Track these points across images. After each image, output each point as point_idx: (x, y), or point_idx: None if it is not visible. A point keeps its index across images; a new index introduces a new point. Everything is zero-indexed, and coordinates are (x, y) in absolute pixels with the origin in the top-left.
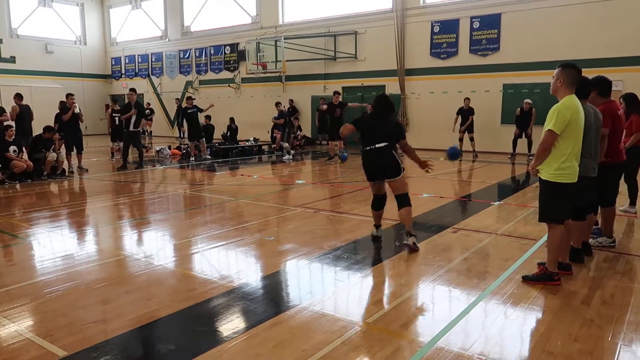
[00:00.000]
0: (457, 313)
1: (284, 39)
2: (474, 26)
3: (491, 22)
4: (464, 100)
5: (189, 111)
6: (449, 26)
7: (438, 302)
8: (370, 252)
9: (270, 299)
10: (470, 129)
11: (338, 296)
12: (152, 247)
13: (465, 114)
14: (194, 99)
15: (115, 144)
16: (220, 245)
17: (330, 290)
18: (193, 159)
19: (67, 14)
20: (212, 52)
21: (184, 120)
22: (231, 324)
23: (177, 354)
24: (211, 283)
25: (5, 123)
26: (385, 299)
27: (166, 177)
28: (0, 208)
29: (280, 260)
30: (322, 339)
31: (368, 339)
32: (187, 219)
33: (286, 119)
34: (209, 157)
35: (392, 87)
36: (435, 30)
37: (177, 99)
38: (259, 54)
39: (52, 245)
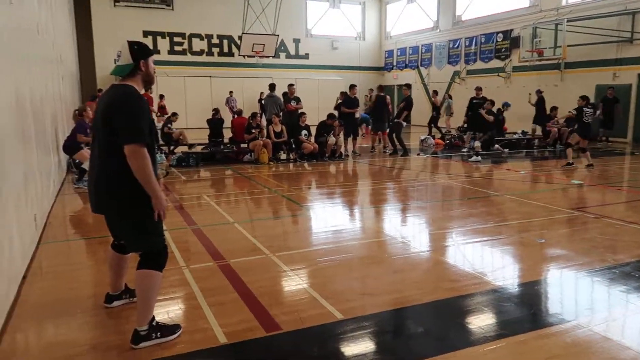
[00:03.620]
0: None
1: (567, 21)
2: None
3: None
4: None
5: (474, 101)
6: None
7: None
8: None
9: (540, 307)
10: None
11: (627, 320)
12: (413, 233)
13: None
14: (481, 89)
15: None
16: (481, 241)
17: (616, 311)
18: (466, 150)
19: (351, 13)
20: (482, 40)
21: (468, 110)
22: (495, 325)
23: (437, 344)
24: (473, 278)
25: (299, 111)
26: None
27: (427, 166)
28: (292, 182)
29: (552, 266)
30: None
31: None
32: (446, 209)
33: (497, 117)
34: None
35: None
36: None
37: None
38: (534, 40)
39: (326, 219)
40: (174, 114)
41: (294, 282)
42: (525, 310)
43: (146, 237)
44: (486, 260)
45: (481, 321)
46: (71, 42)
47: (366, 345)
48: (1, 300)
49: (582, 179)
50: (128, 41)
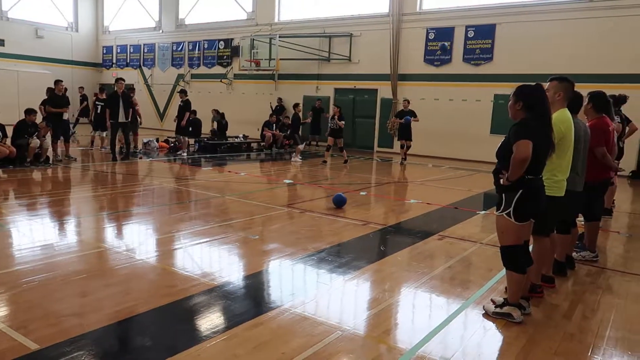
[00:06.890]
0: (439, 322)
1: (279, 37)
2: (469, 35)
3: (486, 32)
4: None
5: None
6: (444, 34)
7: (420, 309)
8: (354, 256)
9: (252, 299)
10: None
11: (320, 299)
12: (134, 241)
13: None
14: (186, 91)
15: (97, 133)
16: (203, 242)
17: (312, 292)
18: (182, 152)
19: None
20: (205, 46)
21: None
22: (211, 323)
23: (154, 351)
24: (192, 280)
25: None
26: (367, 304)
27: (152, 169)
28: None
29: (264, 260)
30: (302, 342)
31: (349, 345)
32: (171, 213)
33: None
34: (185, 154)
35: (384, 91)
36: (430, 37)
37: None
38: (252, 51)
39: (31, 234)
40: None
41: None
42: (238, 305)
43: None
44: (206, 261)
45: (198, 322)
46: None
47: None
48: None
49: (292, 179)
50: None
